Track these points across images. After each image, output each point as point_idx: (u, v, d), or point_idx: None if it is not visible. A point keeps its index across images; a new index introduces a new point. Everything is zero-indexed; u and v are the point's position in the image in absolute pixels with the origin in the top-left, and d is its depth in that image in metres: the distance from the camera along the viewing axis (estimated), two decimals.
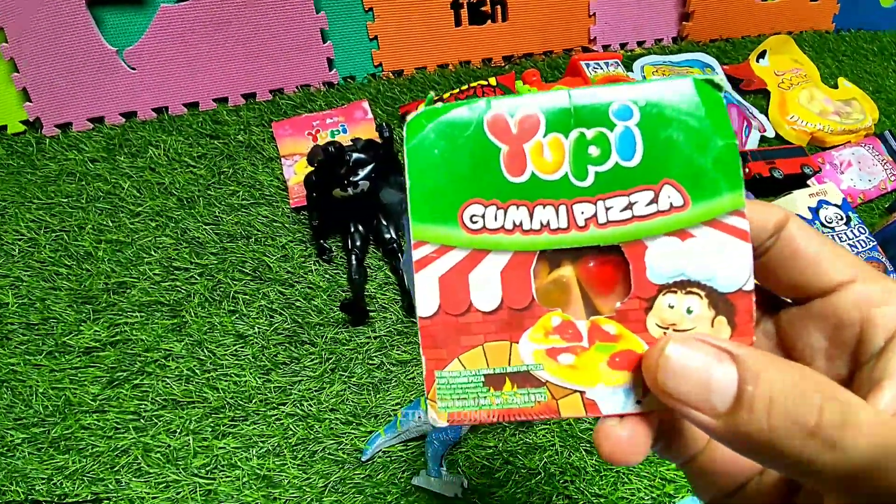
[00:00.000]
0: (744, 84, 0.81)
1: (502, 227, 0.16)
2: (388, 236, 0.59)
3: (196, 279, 0.58)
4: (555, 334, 0.17)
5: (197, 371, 0.52)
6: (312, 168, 0.56)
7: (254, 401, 0.51)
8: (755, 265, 0.16)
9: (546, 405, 0.17)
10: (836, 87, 0.86)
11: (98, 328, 0.55)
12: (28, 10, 0.64)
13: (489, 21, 0.79)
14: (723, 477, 0.18)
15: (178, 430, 0.49)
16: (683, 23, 0.88)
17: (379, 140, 0.58)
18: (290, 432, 0.50)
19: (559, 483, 0.47)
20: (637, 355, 0.16)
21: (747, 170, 0.63)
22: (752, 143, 0.73)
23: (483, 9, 0.78)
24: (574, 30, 0.84)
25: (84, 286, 0.57)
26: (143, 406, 0.51)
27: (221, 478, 0.47)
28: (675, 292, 0.16)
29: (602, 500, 0.46)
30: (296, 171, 0.67)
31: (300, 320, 0.56)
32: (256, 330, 0.55)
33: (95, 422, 0.50)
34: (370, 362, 0.54)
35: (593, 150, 0.16)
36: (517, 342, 0.17)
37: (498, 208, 0.16)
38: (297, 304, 0.57)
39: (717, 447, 0.18)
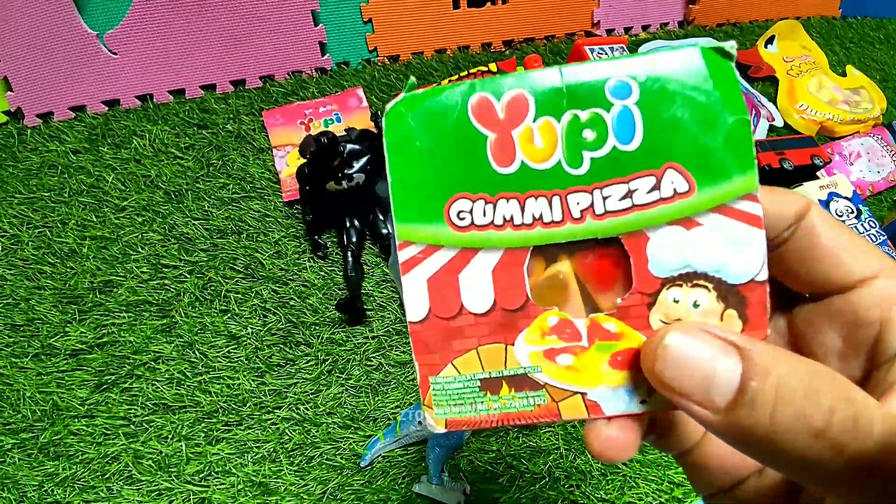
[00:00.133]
0: (752, 70, 0.79)
1: (492, 222, 0.15)
2: (385, 231, 0.57)
3: (185, 277, 0.56)
4: (552, 335, 0.16)
5: (188, 374, 0.51)
6: (305, 160, 0.54)
7: (248, 404, 0.49)
8: (770, 257, 0.15)
9: (546, 408, 0.16)
10: (843, 74, 0.83)
11: (84, 329, 0.52)
12: None
13: (488, 3, 0.76)
14: (719, 472, 0.17)
15: (170, 436, 0.48)
16: (690, 6, 0.85)
17: (374, 130, 0.56)
18: (286, 437, 0.48)
19: (564, 487, 0.46)
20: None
21: (757, 161, 0.61)
22: (761, 132, 0.71)
23: None
24: (577, 13, 0.81)
25: (69, 285, 0.55)
26: (133, 411, 0.49)
27: (215, 485, 0.46)
28: (681, 285, 0.15)
29: None
30: (288, 163, 0.64)
31: (295, 320, 0.54)
32: (249, 330, 0.53)
33: (84, 427, 0.48)
34: (368, 363, 0.52)
35: (588, 134, 0.15)
36: (512, 344, 0.16)
37: (486, 202, 0.15)
38: (292, 302, 0.55)
39: (713, 441, 0.17)
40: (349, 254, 0.55)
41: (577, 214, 0.15)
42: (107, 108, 0.68)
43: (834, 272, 0.15)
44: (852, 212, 0.62)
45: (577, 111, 0.15)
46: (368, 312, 0.55)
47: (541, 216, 0.15)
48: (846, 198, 0.62)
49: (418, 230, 0.16)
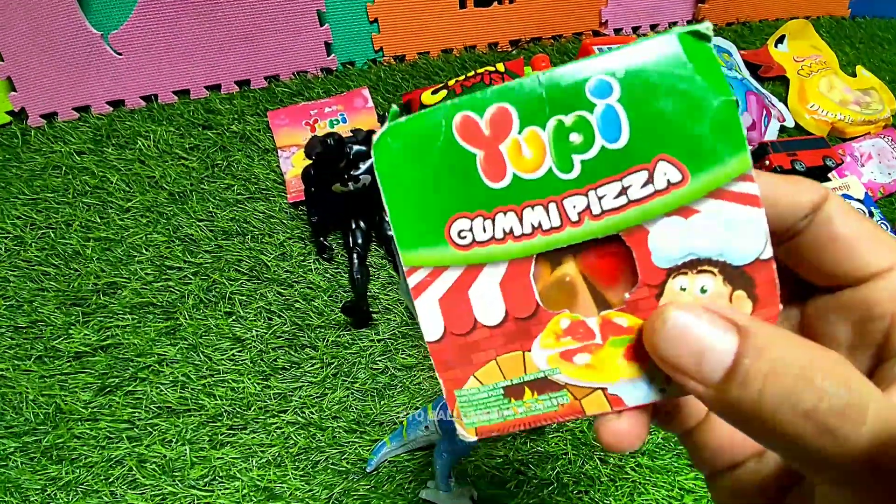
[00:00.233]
0: (762, 70, 0.78)
1: (492, 237, 0.16)
2: (390, 233, 0.56)
3: (190, 279, 0.55)
4: (566, 336, 0.16)
5: (192, 377, 0.50)
6: (310, 161, 0.53)
7: (253, 408, 0.49)
8: (785, 247, 0.15)
9: (570, 406, 0.16)
10: (853, 75, 0.82)
11: (88, 332, 0.52)
12: None
13: (495, 3, 0.75)
14: (719, 452, 0.18)
15: (174, 440, 0.47)
16: (699, 5, 0.84)
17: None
18: (291, 441, 0.48)
19: (573, 493, 0.45)
20: None
21: (768, 162, 0.60)
22: (772, 133, 0.70)
23: None
24: (584, 12, 0.80)
25: (73, 287, 0.54)
26: (137, 414, 0.48)
27: (220, 490, 0.45)
28: (686, 273, 0.15)
29: None
30: (293, 164, 0.63)
31: (300, 323, 0.53)
32: (254, 333, 0.53)
33: (88, 431, 0.48)
34: (374, 367, 0.52)
35: (575, 138, 0.15)
36: (529, 350, 0.16)
37: (485, 219, 0.15)
38: (297, 305, 0.54)
39: (715, 422, 0.18)
40: (355, 256, 0.54)
41: (574, 218, 0.15)
42: (111, 109, 0.67)
43: (848, 264, 0.15)
44: (864, 214, 0.61)
45: (560, 116, 0.15)
46: (374, 315, 0.54)
47: (540, 224, 0.15)
48: (858, 200, 0.61)
49: (423, 254, 0.16)
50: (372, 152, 0.16)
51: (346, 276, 0.57)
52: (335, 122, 0.67)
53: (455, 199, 0.15)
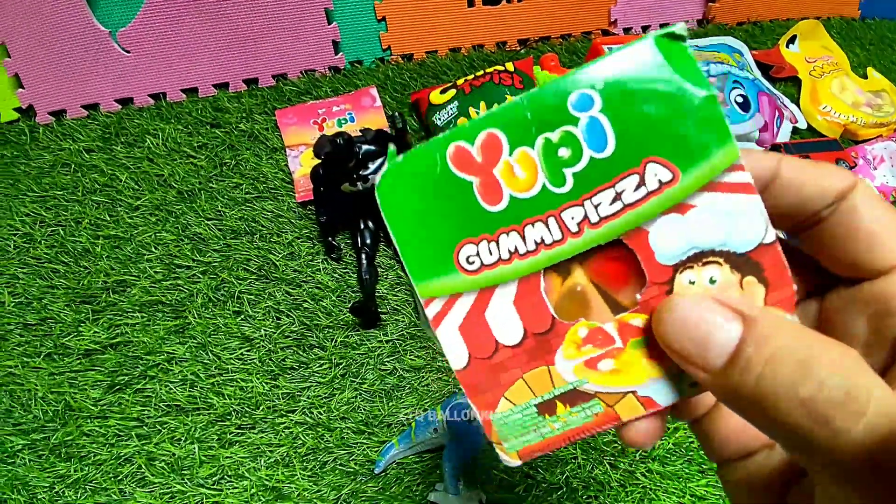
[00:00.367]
0: (774, 70, 0.77)
1: (499, 258, 0.16)
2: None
3: (199, 278, 0.55)
4: (586, 345, 0.16)
5: (201, 375, 0.50)
6: (319, 160, 0.53)
7: (261, 408, 0.49)
8: (807, 234, 0.15)
9: (605, 415, 0.17)
10: (864, 76, 0.81)
11: (98, 329, 0.52)
12: None
13: (504, 1, 0.75)
14: (727, 442, 0.18)
15: (183, 438, 0.47)
16: (709, 4, 0.83)
17: (389, 130, 0.55)
18: (300, 441, 0.47)
19: (582, 498, 0.45)
20: None
21: None
22: (785, 134, 0.70)
23: None
24: (594, 11, 0.79)
25: (82, 284, 0.54)
26: (146, 412, 0.48)
27: (228, 489, 0.45)
28: (692, 267, 0.15)
29: None
30: (301, 163, 0.63)
31: (308, 323, 0.53)
32: (263, 332, 0.53)
33: (97, 428, 0.48)
34: (382, 368, 0.52)
35: (563, 152, 0.15)
36: (553, 364, 0.17)
37: (489, 241, 0.16)
38: (305, 305, 0.54)
39: (724, 410, 0.18)
40: (363, 256, 0.54)
41: (574, 228, 0.16)
42: (120, 107, 0.67)
43: (868, 255, 0.14)
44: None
45: (547, 134, 0.15)
46: (383, 316, 0.54)
47: (542, 240, 0.16)
48: None
49: (436, 284, 0.16)
50: (376, 194, 0.16)
51: (355, 276, 0.56)
52: (343, 122, 0.67)
53: (459, 227, 0.16)
